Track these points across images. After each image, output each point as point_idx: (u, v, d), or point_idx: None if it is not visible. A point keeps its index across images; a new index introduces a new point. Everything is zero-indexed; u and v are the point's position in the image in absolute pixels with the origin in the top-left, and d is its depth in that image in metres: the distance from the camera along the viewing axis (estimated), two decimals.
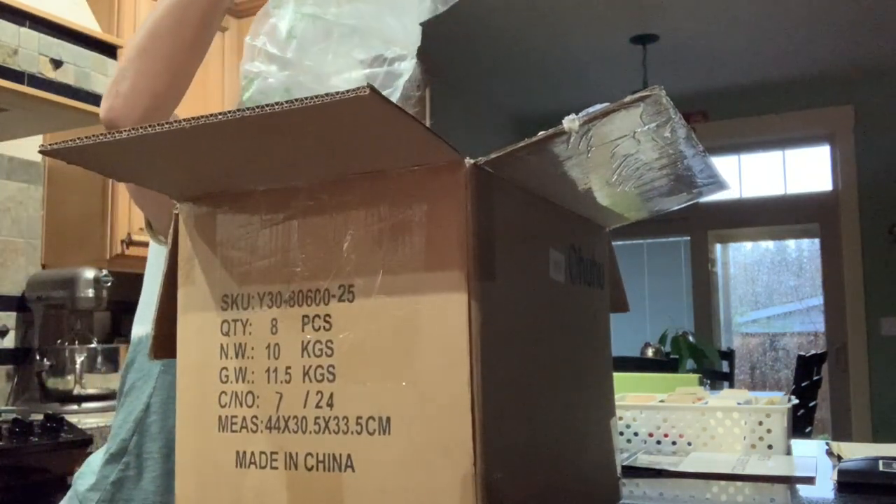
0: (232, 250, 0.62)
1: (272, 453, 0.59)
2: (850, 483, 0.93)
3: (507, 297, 0.58)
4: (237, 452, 0.60)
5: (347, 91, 0.46)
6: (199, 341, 0.63)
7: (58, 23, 2.08)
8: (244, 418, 0.60)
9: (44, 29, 2.05)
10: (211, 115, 0.50)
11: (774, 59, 4.36)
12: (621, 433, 1.25)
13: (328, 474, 0.57)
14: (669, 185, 0.74)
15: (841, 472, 0.94)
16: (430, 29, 1.04)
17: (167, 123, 0.51)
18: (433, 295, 0.55)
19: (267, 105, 0.48)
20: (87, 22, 2.22)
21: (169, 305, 0.68)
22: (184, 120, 0.51)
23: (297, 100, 0.47)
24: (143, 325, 1.02)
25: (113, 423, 1.04)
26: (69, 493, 1.04)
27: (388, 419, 0.55)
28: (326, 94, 0.46)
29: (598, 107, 0.53)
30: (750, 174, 5.09)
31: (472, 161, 0.55)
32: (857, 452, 1.08)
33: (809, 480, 0.97)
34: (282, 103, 0.48)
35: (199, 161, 0.59)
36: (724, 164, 5.00)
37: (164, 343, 0.69)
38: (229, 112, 0.49)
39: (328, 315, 0.58)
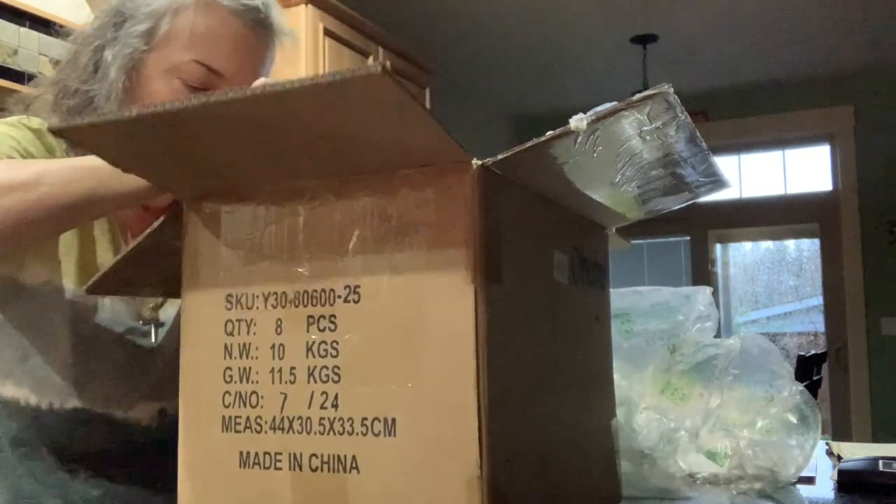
0: (236, 249, 0.62)
1: (276, 454, 0.59)
2: (850, 483, 0.93)
3: (512, 299, 0.58)
4: (241, 453, 0.60)
5: (359, 68, 0.45)
6: (202, 340, 0.63)
7: (58, 23, 2.08)
8: (248, 418, 0.60)
9: (44, 29, 2.05)
10: (220, 93, 0.49)
11: (774, 59, 4.36)
12: None
13: (333, 475, 0.57)
14: (671, 184, 0.74)
15: (841, 472, 0.94)
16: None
17: (176, 101, 0.51)
18: (439, 296, 0.55)
19: (278, 83, 0.48)
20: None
21: (129, 263, 0.72)
22: (194, 97, 0.50)
23: (308, 77, 0.47)
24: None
25: None
26: None
27: (394, 420, 0.55)
28: (337, 72, 0.45)
29: (605, 106, 0.53)
30: (750, 174, 5.09)
31: (479, 162, 0.55)
32: (857, 452, 1.08)
33: (809, 480, 0.97)
34: (293, 81, 0.47)
35: (208, 147, 0.58)
36: (724, 164, 4.98)
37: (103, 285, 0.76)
38: (238, 90, 0.49)
39: (333, 316, 0.58)
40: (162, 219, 0.68)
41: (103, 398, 0.90)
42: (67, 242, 0.89)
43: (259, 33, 0.91)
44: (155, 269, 0.74)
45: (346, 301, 0.58)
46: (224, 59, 0.88)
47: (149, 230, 0.69)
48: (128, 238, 0.93)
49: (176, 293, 0.65)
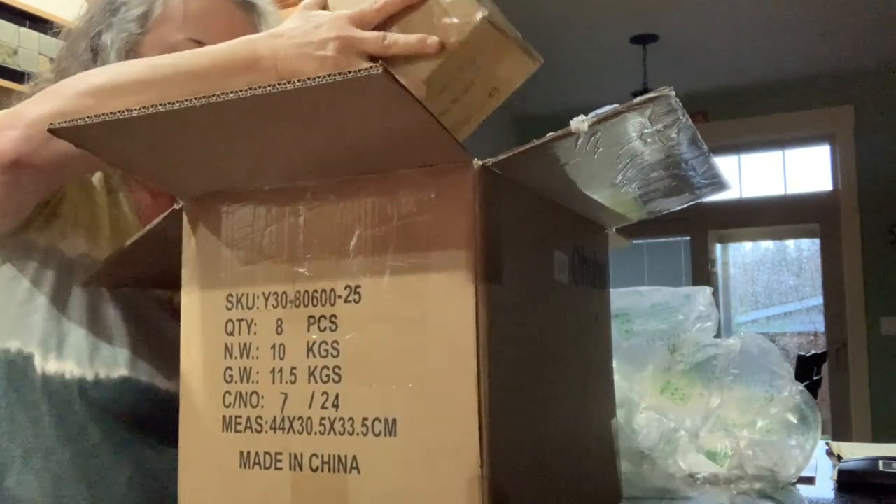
0: (237, 250, 0.62)
1: (277, 454, 0.59)
2: (850, 483, 0.93)
3: (513, 299, 0.58)
4: (241, 453, 0.60)
5: (360, 70, 0.45)
6: (203, 341, 0.63)
7: (58, 23, 2.08)
8: (248, 418, 0.60)
9: (44, 29, 2.05)
10: (222, 94, 0.50)
11: (774, 59, 4.36)
12: None
13: (333, 475, 0.57)
14: (672, 185, 0.74)
15: (841, 472, 0.95)
16: None
17: (178, 102, 0.51)
18: (440, 296, 0.55)
19: (279, 83, 0.48)
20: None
21: (127, 257, 0.74)
22: (195, 98, 0.51)
23: (309, 79, 0.47)
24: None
25: None
26: None
27: (395, 420, 0.55)
28: (339, 73, 0.46)
29: (607, 108, 0.53)
30: (750, 174, 5.09)
31: (479, 162, 0.55)
32: (857, 452, 1.08)
33: (809, 480, 0.97)
34: (293, 81, 0.48)
35: (208, 147, 0.58)
36: (724, 164, 4.99)
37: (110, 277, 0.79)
38: (240, 91, 0.49)
39: (334, 316, 0.58)
40: (161, 217, 0.68)
41: (148, 369, 0.89)
42: (100, 216, 0.89)
43: (249, 9, 0.97)
44: (151, 264, 0.74)
45: (346, 301, 0.58)
46: (218, 35, 0.89)
47: (148, 227, 0.70)
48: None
49: (173, 287, 0.65)
